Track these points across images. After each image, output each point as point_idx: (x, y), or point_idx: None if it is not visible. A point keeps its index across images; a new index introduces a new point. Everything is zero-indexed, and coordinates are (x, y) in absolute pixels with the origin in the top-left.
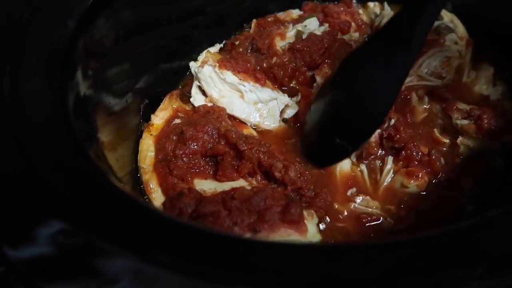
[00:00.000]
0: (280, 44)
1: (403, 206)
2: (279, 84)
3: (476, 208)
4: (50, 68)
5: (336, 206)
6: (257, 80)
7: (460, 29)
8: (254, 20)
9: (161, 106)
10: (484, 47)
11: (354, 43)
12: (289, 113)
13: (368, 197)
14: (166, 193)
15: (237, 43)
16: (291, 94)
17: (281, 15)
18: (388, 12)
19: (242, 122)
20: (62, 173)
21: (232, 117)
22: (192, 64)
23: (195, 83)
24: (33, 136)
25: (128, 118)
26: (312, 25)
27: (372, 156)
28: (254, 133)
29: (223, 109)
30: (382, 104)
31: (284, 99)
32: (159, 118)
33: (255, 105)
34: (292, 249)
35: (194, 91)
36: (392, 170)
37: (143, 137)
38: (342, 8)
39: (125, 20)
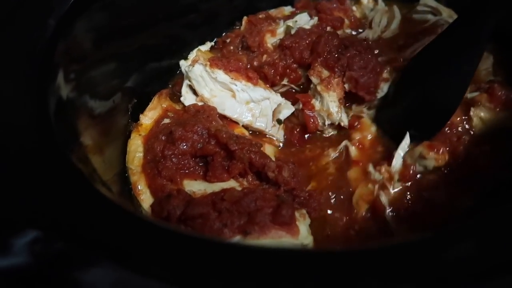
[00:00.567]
0: (271, 41)
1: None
2: (271, 83)
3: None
4: (29, 71)
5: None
6: (249, 79)
7: None
8: (245, 18)
9: (150, 105)
10: None
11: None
12: (285, 113)
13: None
14: (154, 195)
15: (228, 41)
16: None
17: (273, 12)
18: (382, 7)
19: (233, 122)
20: (40, 180)
21: (223, 117)
22: (182, 63)
23: (186, 82)
24: (10, 143)
25: (116, 119)
26: (303, 20)
27: None
28: (246, 133)
29: (214, 109)
30: (455, 101)
31: (277, 98)
32: (148, 118)
33: (247, 104)
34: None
35: (185, 90)
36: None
37: (131, 137)
38: (335, 5)
39: (111, 19)
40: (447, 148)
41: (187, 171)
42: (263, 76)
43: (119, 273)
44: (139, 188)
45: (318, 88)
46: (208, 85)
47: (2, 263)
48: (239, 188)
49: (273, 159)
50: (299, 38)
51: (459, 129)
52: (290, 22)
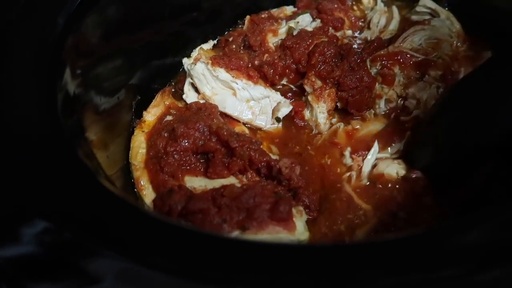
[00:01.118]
0: (272, 40)
1: None
2: (270, 83)
3: None
4: (39, 67)
5: None
6: (249, 77)
7: (456, 25)
8: (248, 17)
9: (153, 103)
10: (481, 43)
11: (348, 39)
12: (283, 111)
13: None
14: (157, 190)
15: (230, 39)
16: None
17: (275, 11)
18: (381, 7)
19: (234, 120)
20: (48, 172)
21: (224, 115)
22: (185, 61)
23: (188, 80)
24: (20, 135)
25: (120, 115)
26: (305, 21)
27: None
28: (246, 131)
29: (215, 106)
30: (481, 137)
31: (277, 97)
32: (151, 115)
33: (248, 102)
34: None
35: (187, 88)
36: None
37: (134, 133)
38: (336, 5)
39: (116, 16)
40: None
41: (188, 168)
42: (263, 75)
43: (123, 263)
44: (142, 183)
45: (309, 98)
46: (210, 83)
47: (11, 251)
48: (239, 185)
49: (272, 156)
50: (301, 40)
51: None
52: (292, 23)
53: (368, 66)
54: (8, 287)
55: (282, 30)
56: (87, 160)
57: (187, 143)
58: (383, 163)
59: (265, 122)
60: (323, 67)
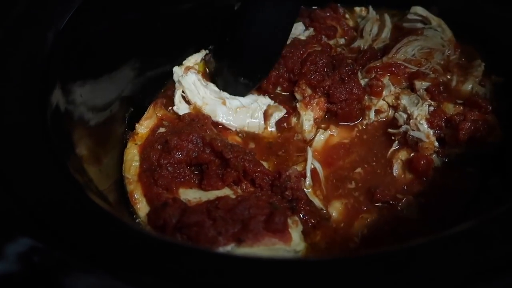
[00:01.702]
0: None
1: None
2: (264, 92)
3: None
4: (28, 82)
5: None
6: None
7: (448, 33)
8: None
9: (146, 114)
10: (472, 50)
11: (341, 48)
12: (276, 116)
13: None
14: (151, 203)
15: None
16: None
17: None
18: (373, 15)
19: (226, 130)
20: (35, 189)
21: (216, 124)
22: (175, 70)
23: (178, 91)
24: (8, 152)
25: (113, 128)
26: (298, 30)
27: None
28: (239, 140)
29: (208, 117)
30: (277, 46)
31: (265, 100)
32: (143, 127)
33: (238, 109)
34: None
35: (178, 100)
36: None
37: (128, 146)
38: (328, 14)
39: (107, 29)
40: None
41: (182, 180)
42: None
43: (110, 281)
44: (136, 197)
45: (298, 105)
46: (201, 92)
47: None
48: (233, 196)
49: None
50: (294, 48)
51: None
52: None
53: (359, 77)
54: None
55: None
56: (77, 175)
57: (180, 155)
58: None
59: (257, 126)
60: (314, 76)
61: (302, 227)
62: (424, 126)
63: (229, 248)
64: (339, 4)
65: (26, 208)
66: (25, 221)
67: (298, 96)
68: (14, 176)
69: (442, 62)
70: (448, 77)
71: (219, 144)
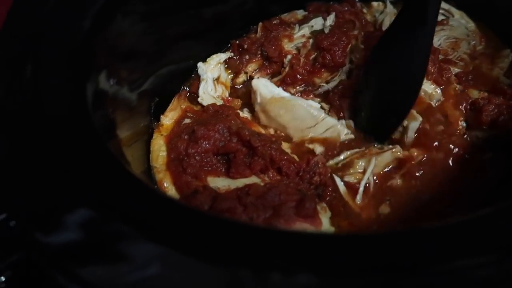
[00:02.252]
0: (288, 46)
1: None
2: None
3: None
4: (70, 62)
5: None
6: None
7: (471, 25)
8: (260, 24)
9: (170, 106)
10: (497, 41)
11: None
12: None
13: None
14: (180, 191)
15: (245, 47)
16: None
17: (285, 16)
18: (391, 10)
19: (251, 121)
20: (86, 165)
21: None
22: (200, 65)
23: (203, 83)
24: (55, 129)
25: (139, 117)
26: (318, 24)
27: None
28: (263, 131)
29: (232, 108)
30: (415, 82)
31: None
32: (168, 119)
33: None
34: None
35: (202, 91)
36: None
37: (154, 137)
38: (346, 8)
39: (139, 18)
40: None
41: (210, 169)
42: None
43: (167, 251)
44: (165, 185)
45: None
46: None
47: (58, 239)
48: (262, 184)
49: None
50: (337, 39)
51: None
52: (306, 27)
53: None
54: (58, 273)
55: (298, 35)
56: (118, 156)
57: (207, 145)
58: None
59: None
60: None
61: (330, 213)
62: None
63: None
64: None
65: (82, 183)
66: (82, 195)
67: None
68: (63, 155)
69: (468, 51)
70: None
71: (246, 133)
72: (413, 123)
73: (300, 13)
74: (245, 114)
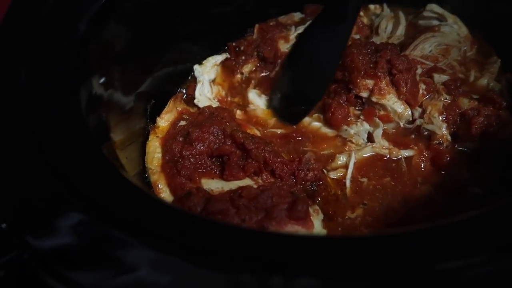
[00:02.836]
0: (284, 47)
1: None
2: None
3: None
4: (64, 66)
5: None
6: None
7: (464, 30)
8: (257, 26)
9: (166, 108)
10: (488, 47)
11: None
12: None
13: None
14: (174, 193)
15: (241, 48)
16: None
17: (283, 18)
18: (388, 13)
19: (245, 124)
20: (78, 169)
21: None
22: (196, 67)
23: (199, 85)
24: (49, 132)
25: (135, 119)
26: None
27: None
28: (258, 133)
29: (228, 110)
30: (328, 73)
31: None
32: (164, 121)
33: None
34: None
35: (198, 93)
36: None
37: (149, 139)
38: None
39: (135, 22)
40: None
41: (204, 171)
42: None
43: (155, 254)
44: (159, 187)
45: (374, 99)
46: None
47: (49, 242)
48: (255, 186)
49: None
50: None
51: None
52: (302, 28)
53: None
54: (48, 276)
55: (294, 35)
56: (112, 159)
57: (202, 147)
58: None
59: None
60: (365, 66)
61: (322, 215)
62: (438, 119)
63: None
64: None
65: (74, 186)
66: (74, 198)
67: (364, 93)
68: (58, 157)
69: (459, 58)
70: (462, 75)
71: (240, 136)
72: (377, 130)
73: (297, 16)
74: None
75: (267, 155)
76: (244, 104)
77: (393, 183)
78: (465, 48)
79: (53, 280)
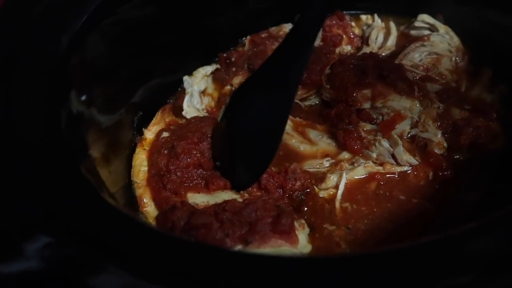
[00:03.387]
0: None
1: None
2: None
3: None
4: (43, 85)
5: None
6: None
7: (456, 40)
8: (249, 37)
9: (154, 120)
10: (480, 57)
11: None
12: None
13: None
14: (159, 207)
15: (233, 59)
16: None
17: (274, 30)
18: (379, 24)
19: None
20: (51, 190)
21: None
22: (185, 79)
23: (187, 96)
24: (24, 152)
25: (122, 132)
26: None
27: None
28: None
29: (214, 119)
30: (270, 141)
31: None
32: (151, 132)
33: None
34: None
35: (186, 104)
36: None
37: (136, 151)
38: (334, 22)
39: (119, 36)
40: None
41: (190, 184)
42: None
43: (126, 278)
44: (144, 201)
45: (379, 104)
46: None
47: (14, 267)
48: (240, 200)
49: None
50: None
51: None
52: None
53: None
54: None
55: None
56: (90, 176)
57: (189, 159)
58: None
59: None
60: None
61: (308, 230)
62: (432, 127)
63: (236, 249)
64: (344, 12)
65: (43, 207)
66: (43, 220)
67: (366, 105)
68: (30, 176)
69: (450, 68)
70: (454, 83)
71: None
72: (397, 149)
73: (288, 27)
74: None
75: None
76: None
77: (382, 205)
78: (456, 58)
79: None
